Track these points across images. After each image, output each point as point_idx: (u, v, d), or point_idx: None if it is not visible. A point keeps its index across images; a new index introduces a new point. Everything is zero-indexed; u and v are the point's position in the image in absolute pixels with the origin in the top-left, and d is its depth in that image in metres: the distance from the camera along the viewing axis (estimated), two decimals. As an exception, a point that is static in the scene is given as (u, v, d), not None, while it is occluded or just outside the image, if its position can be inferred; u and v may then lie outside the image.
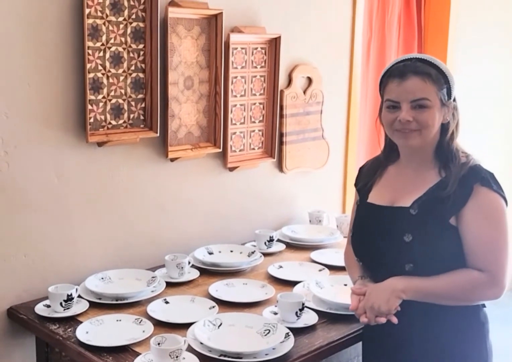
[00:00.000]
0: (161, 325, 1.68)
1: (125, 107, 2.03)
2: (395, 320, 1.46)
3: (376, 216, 1.60)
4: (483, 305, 1.57)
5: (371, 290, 1.52)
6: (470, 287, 1.47)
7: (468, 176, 1.48)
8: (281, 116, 2.51)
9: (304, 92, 2.60)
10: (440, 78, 1.50)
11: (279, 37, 2.38)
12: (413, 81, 1.48)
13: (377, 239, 1.57)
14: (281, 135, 2.53)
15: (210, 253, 2.21)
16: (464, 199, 1.47)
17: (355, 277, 1.66)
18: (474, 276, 1.46)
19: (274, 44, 2.39)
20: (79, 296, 1.81)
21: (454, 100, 1.55)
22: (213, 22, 2.19)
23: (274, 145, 2.48)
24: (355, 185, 1.75)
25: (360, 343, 1.72)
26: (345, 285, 1.94)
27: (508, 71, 3.84)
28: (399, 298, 1.47)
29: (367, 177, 1.68)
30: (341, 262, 2.12)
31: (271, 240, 2.32)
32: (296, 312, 1.68)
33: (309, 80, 2.61)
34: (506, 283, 1.47)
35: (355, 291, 1.56)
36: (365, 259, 1.64)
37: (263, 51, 2.39)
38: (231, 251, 2.24)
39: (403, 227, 1.51)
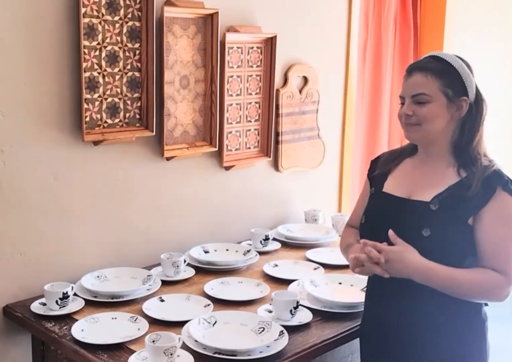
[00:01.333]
0: (156, 323, 1.69)
1: (121, 106, 2.03)
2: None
3: (393, 207, 1.60)
4: (485, 304, 1.59)
5: (403, 251, 1.47)
6: (488, 286, 1.48)
7: (491, 179, 1.50)
8: (277, 115, 2.52)
9: (300, 91, 2.61)
10: (448, 73, 1.51)
11: (275, 37, 2.39)
12: (415, 77, 1.52)
13: (392, 230, 1.54)
14: (277, 134, 2.54)
15: (206, 252, 2.22)
16: (485, 200, 1.48)
17: (350, 242, 1.67)
18: (493, 276, 1.48)
19: (270, 44, 2.40)
20: (75, 294, 1.82)
21: (479, 98, 1.54)
22: (209, 22, 2.20)
23: (270, 144, 2.49)
24: (368, 174, 1.75)
25: (354, 340, 1.73)
26: (340, 283, 1.96)
27: (504, 71, 3.85)
28: (407, 275, 1.47)
29: (383, 167, 1.69)
30: (336, 261, 2.15)
31: (266, 238, 2.33)
32: (291, 310, 1.69)
33: (305, 79, 2.62)
34: None
35: (392, 237, 1.50)
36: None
37: (259, 50, 2.40)
38: (227, 250, 2.25)
39: (422, 221, 1.51)
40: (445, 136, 1.55)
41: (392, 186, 1.64)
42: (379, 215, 1.63)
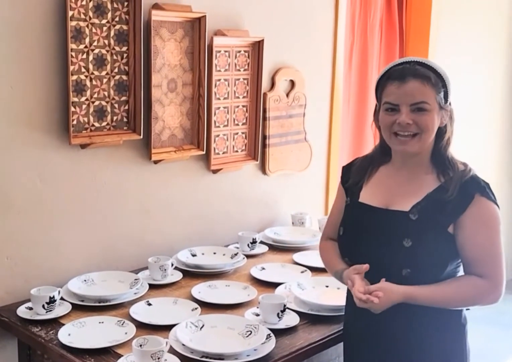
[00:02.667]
0: (143, 327, 1.69)
1: (109, 109, 2.03)
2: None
3: (372, 218, 1.57)
4: (467, 308, 1.59)
5: (385, 299, 1.44)
6: (475, 294, 1.50)
7: (469, 185, 1.50)
8: (264, 118, 2.53)
9: (287, 95, 2.62)
10: (438, 81, 1.50)
11: (262, 40, 2.40)
12: (413, 84, 1.48)
13: (372, 242, 1.54)
14: (264, 137, 2.55)
15: (194, 255, 2.22)
16: (463, 207, 1.48)
17: (338, 268, 1.62)
18: (478, 283, 1.49)
19: (257, 47, 2.41)
20: (62, 299, 1.81)
21: (450, 104, 1.55)
22: (196, 25, 2.20)
23: (257, 148, 2.50)
24: (342, 183, 1.71)
25: (341, 343, 1.74)
26: (327, 286, 1.97)
27: (489, 75, 3.90)
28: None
29: (357, 176, 1.66)
30: (323, 264, 2.15)
31: (254, 242, 2.34)
32: (278, 314, 1.70)
33: (292, 83, 2.64)
34: (504, 288, 1.51)
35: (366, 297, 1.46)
36: (356, 260, 1.56)
37: (246, 54, 2.41)
38: (214, 253, 2.25)
39: (403, 231, 1.50)
40: (429, 144, 1.54)
41: (369, 196, 1.62)
42: (358, 227, 1.60)
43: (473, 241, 1.49)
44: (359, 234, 1.59)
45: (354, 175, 1.67)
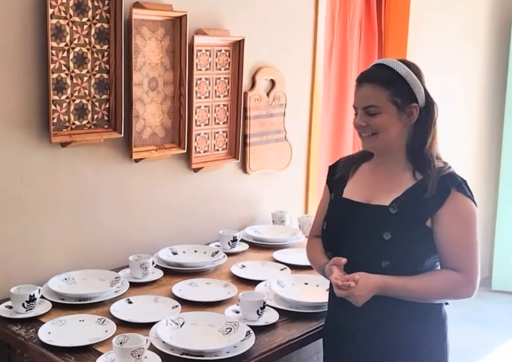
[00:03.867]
0: (124, 325, 1.69)
1: (89, 107, 2.03)
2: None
3: (353, 212, 1.62)
4: (446, 302, 1.64)
5: (362, 283, 1.48)
6: (450, 286, 1.54)
7: (446, 180, 1.54)
8: (245, 118, 2.54)
9: (268, 94, 2.64)
10: (395, 82, 1.53)
11: (243, 40, 2.42)
12: (365, 88, 1.55)
13: (354, 235, 1.59)
14: (245, 136, 2.56)
15: (174, 253, 2.23)
16: (440, 201, 1.52)
17: (321, 263, 1.65)
18: (453, 277, 1.53)
19: (238, 47, 2.43)
20: (42, 297, 1.81)
21: (429, 102, 1.56)
22: (177, 24, 2.21)
23: (238, 147, 2.51)
24: (328, 182, 1.77)
25: (320, 340, 1.76)
26: (306, 284, 1.99)
27: (466, 74, 3.96)
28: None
29: (342, 173, 1.71)
30: (302, 262, 2.18)
31: (234, 240, 2.35)
32: (258, 311, 1.72)
33: (273, 82, 2.65)
34: (478, 283, 1.56)
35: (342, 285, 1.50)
36: (338, 253, 1.59)
37: (227, 53, 2.42)
38: (195, 251, 2.26)
39: (383, 225, 1.55)
40: (400, 142, 1.58)
41: (352, 191, 1.67)
42: (340, 221, 1.64)
43: (449, 235, 1.53)
44: (341, 228, 1.63)
45: (339, 172, 1.73)
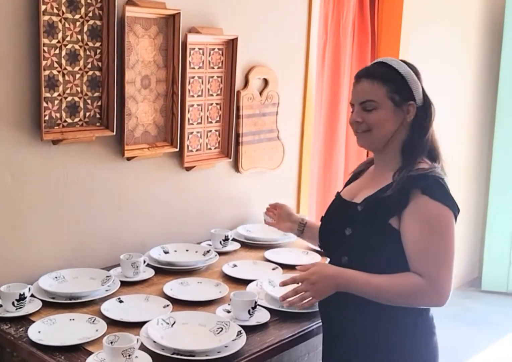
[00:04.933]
0: (115, 324, 1.69)
1: (81, 105, 2.02)
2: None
3: (337, 209, 1.70)
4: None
5: (317, 270, 1.53)
6: (409, 290, 1.48)
7: (410, 182, 1.51)
8: (238, 116, 2.54)
9: (261, 93, 2.63)
10: (394, 79, 1.54)
11: (236, 39, 2.41)
12: (363, 84, 1.56)
13: (329, 230, 1.69)
14: (238, 135, 2.56)
15: (166, 252, 2.23)
16: (403, 203, 1.50)
17: None
18: (413, 280, 1.47)
19: (231, 45, 2.42)
20: (32, 296, 1.80)
21: (426, 102, 1.57)
22: (170, 22, 2.20)
23: (230, 145, 2.51)
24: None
25: (310, 340, 1.76)
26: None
27: (459, 76, 3.97)
28: (332, 292, 1.53)
29: (353, 176, 1.78)
30: (294, 261, 2.19)
31: (226, 239, 2.35)
32: (249, 310, 1.72)
33: (266, 81, 2.65)
34: (448, 291, 1.47)
35: (301, 268, 1.59)
36: (324, 249, 1.76)
37: (220, 52, 2.41)
38: (187, 250, 2.26)
39: (347, 221, 1.59)
40: (396, 140, 1.58)
41: (347, 190, 1.72)
42: (326, 217, 1.73)
43: (409, 238, 1.49)
44: (325, 223, 1.72)
45: (352, 177, 1.79)
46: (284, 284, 1.60)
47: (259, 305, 1.77)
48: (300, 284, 1.55)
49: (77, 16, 1.95)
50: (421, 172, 1.52)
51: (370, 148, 1.66)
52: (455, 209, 1.51)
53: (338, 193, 1.75)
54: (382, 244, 1.52)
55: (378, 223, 1.53)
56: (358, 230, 1.55)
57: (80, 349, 1.56)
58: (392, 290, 1.49)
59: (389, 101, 1.54)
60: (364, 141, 1.61)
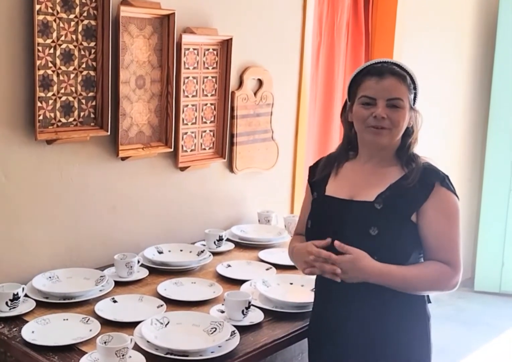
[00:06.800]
0: (108, 324, 1.69)
1: (76, 105, 2.02)
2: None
3: (337, 209, 1.62)
4: (428, 301, 1.66)
5: (355, 259, 1.51)
6: (438, 277, 1.57)
7: (429, 174, 1.58)
8: (232, 117, 2.54)
9: (255, 94, 2.64)
10: (410, 83, 1.59)
11: (231, 39, 2.41)
12: (390, 81, 1.56)
13: (339, 232, 1.58)
14: (232, 136, 2.56)
15: (160, 252, 2.23)
16: (425, 196, 1.56)
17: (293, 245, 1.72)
18: (442, 268, 1.56)
19: (226, 46, 2.42)
20: (26, 295, 1.80)
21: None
22: (165, 22, 2.20)
23: (224, 146, 2.51)
24: (309, 181, 1.78)
25: (304, 340, 1.77)
26: (291, 284, 2.00)
27: (453, 77, 3.99)
28: (363, 280, 1.53)
29: (323, 172, 1.72)
30: (288, 262, 2.18)
31: (220, 239, 2.35)
32: (243, 310, 1.72)
33: (260, 82, 2.66)
34: (461, 275, 1.59)
35: (339, 245, 1.53)
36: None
37: (215, 52, 2.42)
38: (181, 250, 2.26)
39: (369, 221, 1.56)
40: (396, 141, 1.62)
41: (334, 189, 1.67)
42: (325, 218, 1.66)
43: (435, 230, 1.56)
44: (326, 226, 1.64)
45: (320, 171, 1.73)
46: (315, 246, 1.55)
47: (253, 305, 1.77)
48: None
49: (71, 16, 1.95)
50: (432, 166, 1.61)
51: (383, 145, 1.60)
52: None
53: (322, 194, 1.68)
54: (408, 239, 1.56)
55: (401, 219, 1.56)
56: (384, 229, 1.55)
57: (73, 349, 1.56)
58: (422, 280, 1.56)
59: (408, 103, 1.58)
60: (382, 138, 1.57)
